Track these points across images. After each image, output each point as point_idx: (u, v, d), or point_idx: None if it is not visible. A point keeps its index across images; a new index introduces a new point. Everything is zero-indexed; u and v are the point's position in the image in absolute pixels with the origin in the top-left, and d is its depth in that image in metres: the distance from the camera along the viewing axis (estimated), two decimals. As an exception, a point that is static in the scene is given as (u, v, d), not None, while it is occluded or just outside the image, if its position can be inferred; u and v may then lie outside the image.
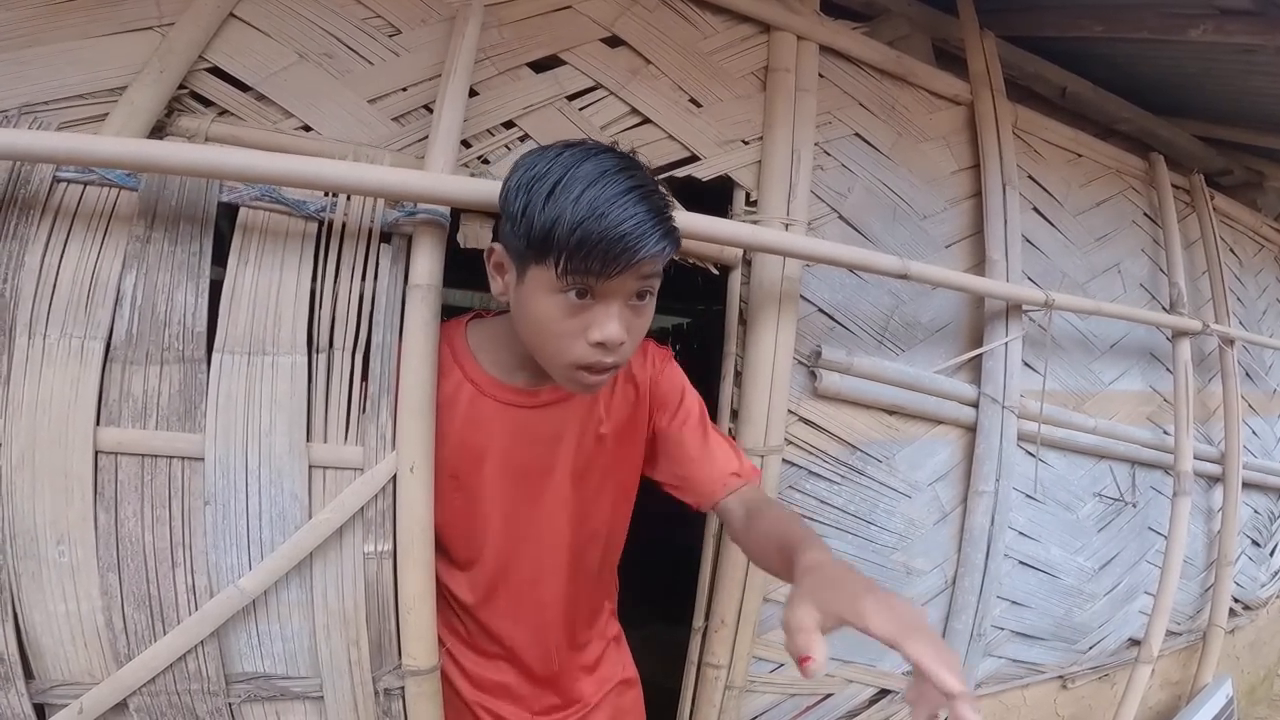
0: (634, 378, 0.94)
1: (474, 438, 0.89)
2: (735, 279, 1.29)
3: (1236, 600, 2.29)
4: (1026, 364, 1.58)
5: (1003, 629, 1.69)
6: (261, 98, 1.02)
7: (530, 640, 0.97)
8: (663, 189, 0.75)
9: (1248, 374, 2.31)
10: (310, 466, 0.90)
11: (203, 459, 0.86)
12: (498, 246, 0.78)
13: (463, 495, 0.90)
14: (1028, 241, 1.64)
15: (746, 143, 1.35)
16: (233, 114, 1.00)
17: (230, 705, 0.90)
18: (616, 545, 1.03)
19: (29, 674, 0.85)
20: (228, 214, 0.94)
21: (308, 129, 1.03)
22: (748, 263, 1.29)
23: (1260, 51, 1.57)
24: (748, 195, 1.33)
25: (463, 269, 1.40)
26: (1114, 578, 1.91)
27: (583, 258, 0.67)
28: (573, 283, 0.70)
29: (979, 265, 1.56)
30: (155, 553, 0.85)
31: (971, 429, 1.54)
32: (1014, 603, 1.70)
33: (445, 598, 0.98)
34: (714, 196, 1.33)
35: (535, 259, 0.70)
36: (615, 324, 0.72)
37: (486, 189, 0.96)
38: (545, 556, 0.93)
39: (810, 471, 1.39)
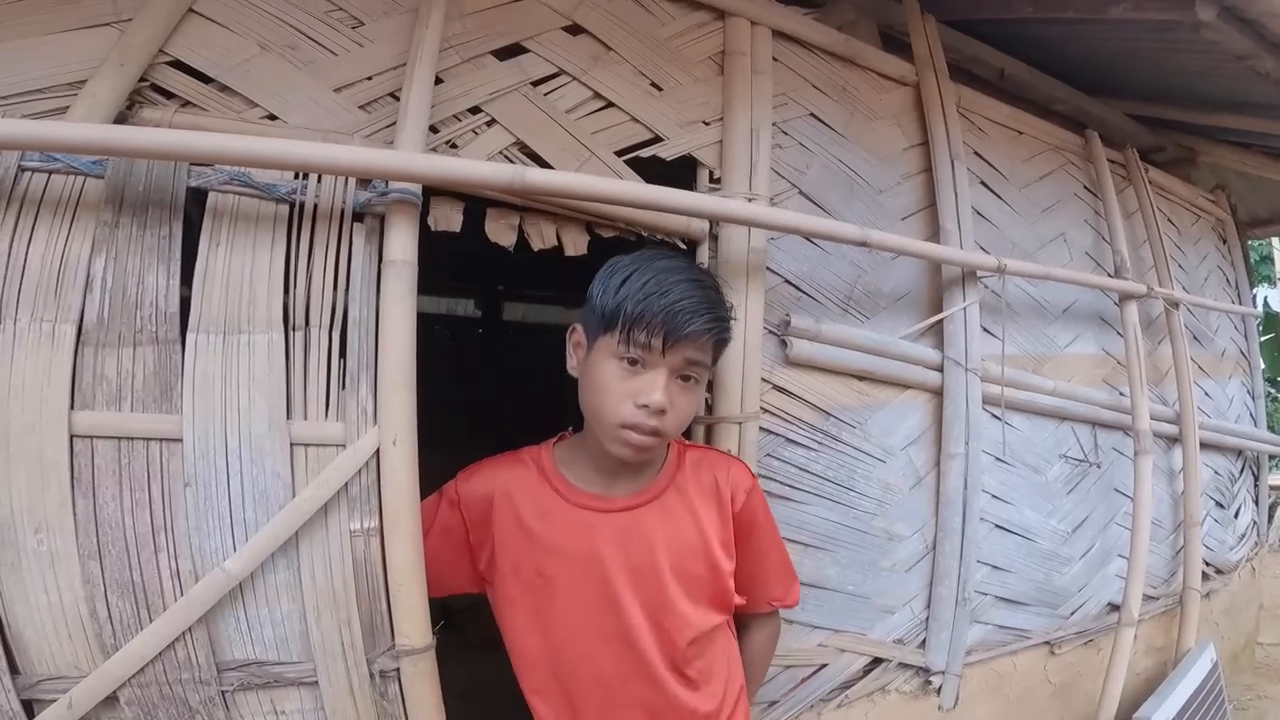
0: (717, 494, 0.98)
1: (557, 538, 0.93)
2: (703, 253, 1.33)
3: (1208, 564, 2.36)
4: (985, 329, 1.65)
5: (986, 594, 1.73)
6: (225, 89, 1.03)
7: None
8: (725, 296, 0.92)
9: (1195, 338, 2.43)
10: (291, 444, 0.90)
11: (181, 440, 0.86)
12: (578, 326, 0.92)
13: (545, 589, 0.93)
14: (978, 214, 1.71)
15: (707, 124, 1.39)
16: (196, 105, 1.01)
17: (223, 694, 0.89)
18: (702, 640, 0.98)
19: (14, 669, 0.82)
20: (197, 200, 0.94)
21: (274, 118, 1.04)
22: (714, 237, 1.33)
23: (1177, 29, 1.66)
24: (711, 174, 1.37)
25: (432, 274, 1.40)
26: (1087, 541, 1.97)
27: (643, 327, 0.82)
28: (630, 348, 0.83)
29: (934, 236, 1.62)
30: (137, 538, 0.84)
31: (938, 393, 1.60)
32: (995, 567, 1.75)
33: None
34: (679, 180, 1.36)
35: (604, 329, 0.85)
36: (660, 393, 0.83)
37: (455, 166, 0.99)
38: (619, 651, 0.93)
39: (787, 439, 1.42)
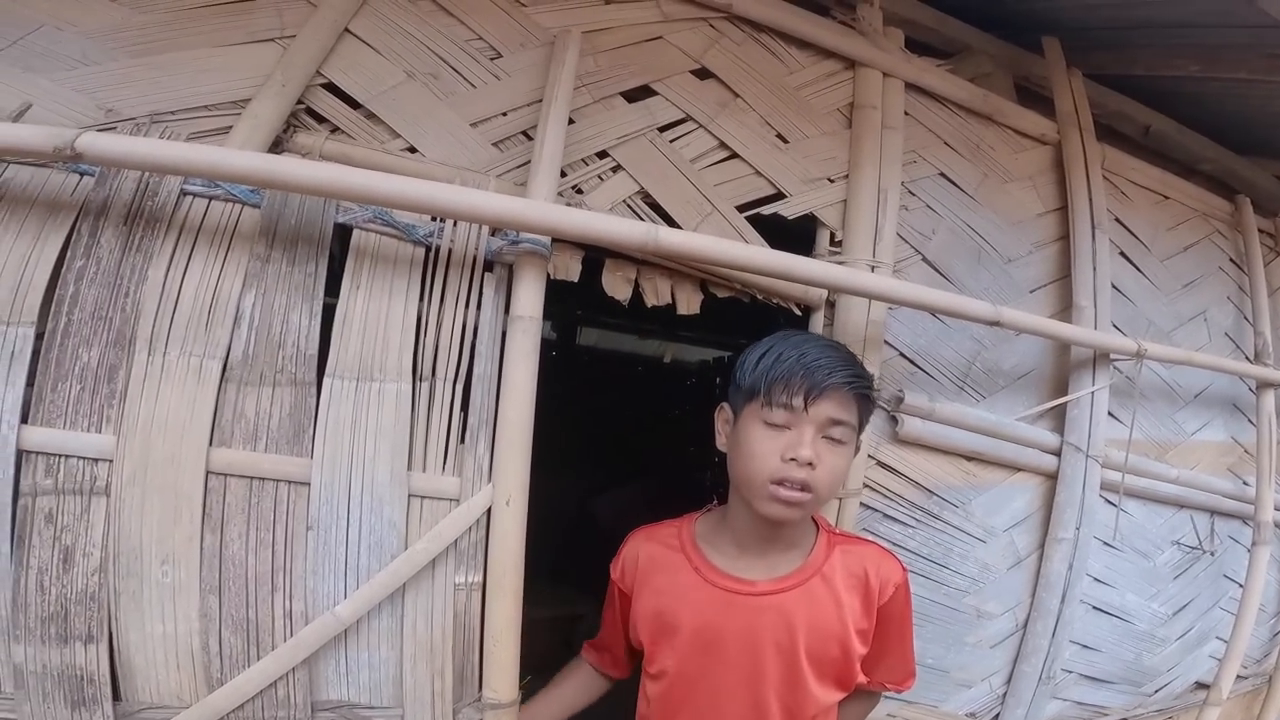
0: (865, 585, 0.98)
1: (688, 616, 0.95)
2: (817, 320, 1.27)
3: (1303, 646, 2.19)
4: (1110, 413, 1.53)
5: (1071, 672, 1.63)
6: (371, 116, 1.04)
7: None
8: (861, 362, 0.94)
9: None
10: (409, 495, 0.90)
11: (309, 483, 0.87)
12: (724, 405, 0.96)
13: (674, 658, 0.95)
14: (1114, 288, 1.58)
15: (832, 180, 1.33)
16: (344, 132, 1.02)
17: (314, 733, 0.90)
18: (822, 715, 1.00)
19: (116, 695, 0.84)
20: (339, 237, 0.95)
21: (413, 150, 1.05)
22: (830, 304, 1.27)
23: (1357, 88, 1.51)
24: (832, 235, 1.31)
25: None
26: (1186, 623, 1.85)
27: (784, 385, 0.86)
28: (774, 410, 0.87)
29: (1064, 311, 1.51)
30: (257, 576, 0.85)
31: (1052, 476, 1.49)
32: (1085, 646, 1.65)
33: None
34: (794, 234, 1.31)
35: (748, 398, 0.89)
36: (807, 447, 0.86)
37: (591, 222, 0.97)
38: None
39: (885, 515, 1.35)
